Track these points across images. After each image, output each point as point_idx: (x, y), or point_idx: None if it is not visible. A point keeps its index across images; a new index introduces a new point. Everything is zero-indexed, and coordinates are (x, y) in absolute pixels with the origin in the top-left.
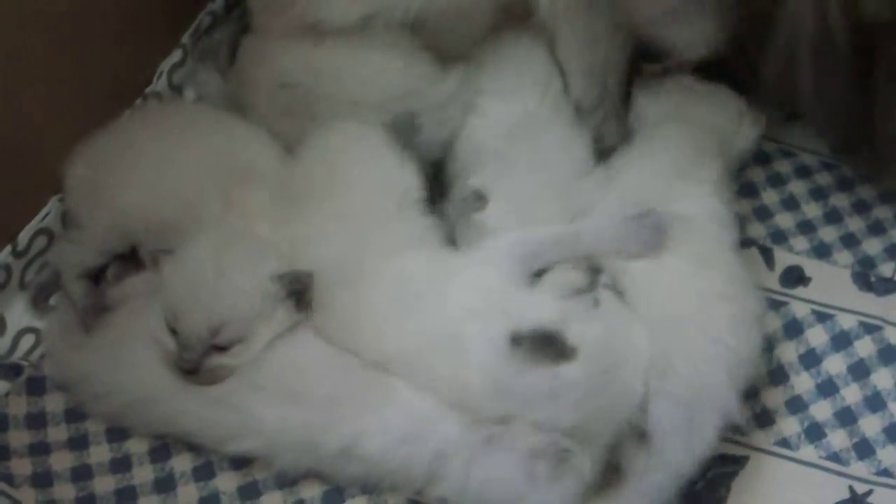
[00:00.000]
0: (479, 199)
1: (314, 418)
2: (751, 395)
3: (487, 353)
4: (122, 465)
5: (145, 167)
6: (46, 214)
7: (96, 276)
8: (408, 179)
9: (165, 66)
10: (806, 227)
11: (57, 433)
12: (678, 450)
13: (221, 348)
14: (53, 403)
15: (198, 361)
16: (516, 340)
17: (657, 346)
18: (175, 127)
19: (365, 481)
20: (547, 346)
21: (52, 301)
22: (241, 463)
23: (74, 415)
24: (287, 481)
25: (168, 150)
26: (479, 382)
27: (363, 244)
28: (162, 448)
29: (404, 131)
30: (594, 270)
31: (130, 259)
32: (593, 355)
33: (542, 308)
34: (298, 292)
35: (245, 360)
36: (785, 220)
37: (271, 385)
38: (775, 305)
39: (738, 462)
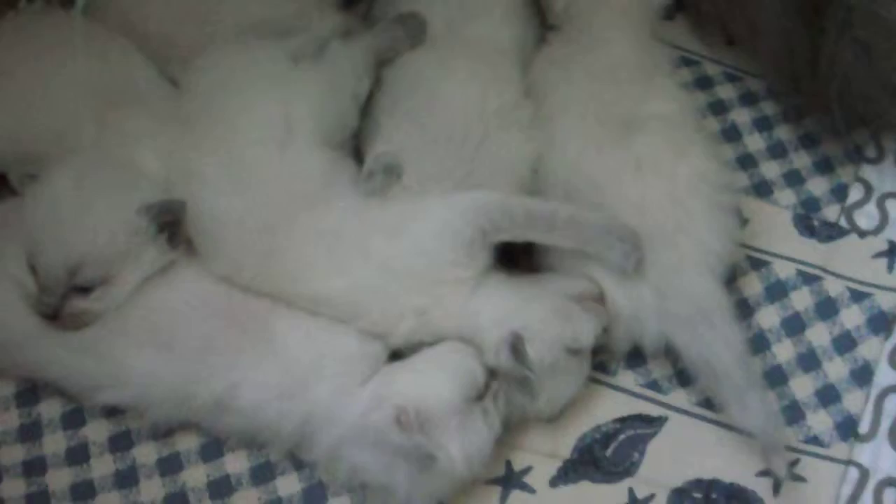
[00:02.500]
0: (392, 171)
1: (186, 368)
2: (672, 349)
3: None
4: None
5: (9, 87)
6: None
7: None
8: (310, 106)
9: None
10: (746, 162)
11: None
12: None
13: (83, 290)
14: None
15: (57, 305)
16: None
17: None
18: (47, 41)
19: (242, 434)
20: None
21: None
22: (114, 411)
23: None
24: (162, 432)
25: (36, 68)
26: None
27: (271, 177)
28: (29, 392)
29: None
30: None
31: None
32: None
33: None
34: (171, 226)
35: (110, 305)
36: (724, 153)
37: (140, 332)
38: None
39: (654, 423)
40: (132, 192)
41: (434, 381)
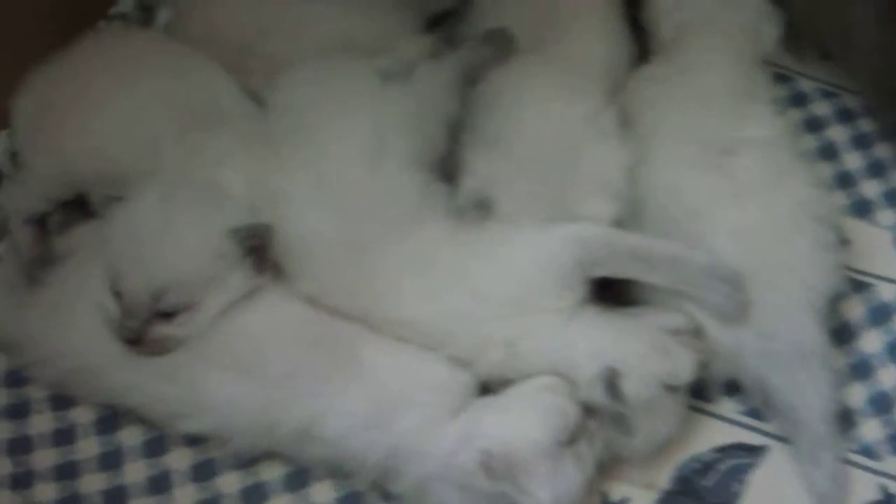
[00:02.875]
0: (483, 205)
1: (271, 395)
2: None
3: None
4: (65, 436)
5: (91, 105)
6: None
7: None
8: (401, 126)
9: None
10: (845, 181)
11: None
12: (809, 410)
13: (167, 315)
14: None
15: (140, 330)
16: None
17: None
18: (127, 59)
19: (328, 463)
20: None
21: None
22: (196, 439)
23: (15, 379)
24: (246, 461)
25: (118, 87)
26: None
27: (362, 198)
28: (110, 419)
29: None
30: None
31: (80, 206)
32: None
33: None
34: (257, 250)
35: (194, 331)
36: (821, 171)
37: (224, 358)
38: None
39: (755, 452)
40: (218, 216)
41: (523, 423)
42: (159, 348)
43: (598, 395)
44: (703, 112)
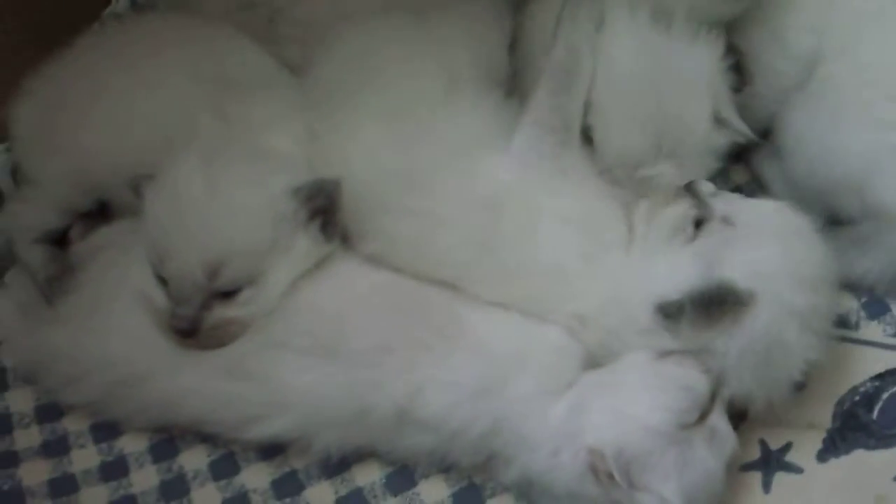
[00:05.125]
0: None
1: (360, 376)
2: None
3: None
4: (115, 469)
5: (109, 98)
6: None
7: (59, 239)
8: (458, 59)
9: None
10: None
11: (26, 438)
12: None
13: (225, 295)
14: (19, 401)
15: (196, 317)
16: (669, 312)
17: None
18: (142, 44)
19: (428, 455)
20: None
21: (7, 276)
22: (271, 451)
23: (48, 412)
24: (335, 467)
25: (137, 73)
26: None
27: (424, 144)
28: (166, 443)
29: None
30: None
31: (99, 215)
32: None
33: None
34: (324, 210)
35: (260, 311)
36: None
37: (300, 340)
38: None
39: None
40: (274, 174)
41: (638, 407)
42: (220, 337)
43: None
44: None
